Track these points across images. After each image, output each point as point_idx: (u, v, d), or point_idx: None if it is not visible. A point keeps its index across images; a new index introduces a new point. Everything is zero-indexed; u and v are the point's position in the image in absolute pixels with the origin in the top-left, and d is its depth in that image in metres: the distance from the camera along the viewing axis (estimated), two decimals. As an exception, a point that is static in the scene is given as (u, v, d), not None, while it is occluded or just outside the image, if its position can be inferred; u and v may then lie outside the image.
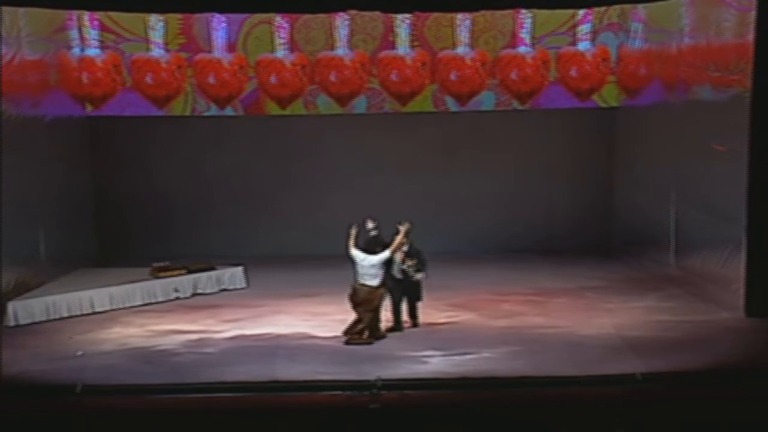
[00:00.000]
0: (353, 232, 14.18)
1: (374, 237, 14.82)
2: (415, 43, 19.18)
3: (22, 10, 15.93)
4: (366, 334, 14.07)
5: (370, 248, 14.26)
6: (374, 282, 13.86)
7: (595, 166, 20.42)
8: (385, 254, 13.93)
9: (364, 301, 14.02)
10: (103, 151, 19.64)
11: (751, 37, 14.17)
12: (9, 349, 13.73)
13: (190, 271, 17.15)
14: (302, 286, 17.29)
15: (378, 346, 13.89)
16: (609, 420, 10.98)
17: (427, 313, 15.16)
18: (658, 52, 17.87)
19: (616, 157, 20.31)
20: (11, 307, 15.14)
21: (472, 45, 19.21)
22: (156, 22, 18.43)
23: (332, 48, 19.11)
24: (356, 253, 14.01)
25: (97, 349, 13.93)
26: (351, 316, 15.26)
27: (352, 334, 14.07)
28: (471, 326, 14.85)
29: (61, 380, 12.36)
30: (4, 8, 15.27)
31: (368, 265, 13.88)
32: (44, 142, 17.36)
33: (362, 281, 13.97)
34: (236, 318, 15.41)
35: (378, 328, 14.21)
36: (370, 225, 14.97)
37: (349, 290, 14.18)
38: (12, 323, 15.01)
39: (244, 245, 19.22)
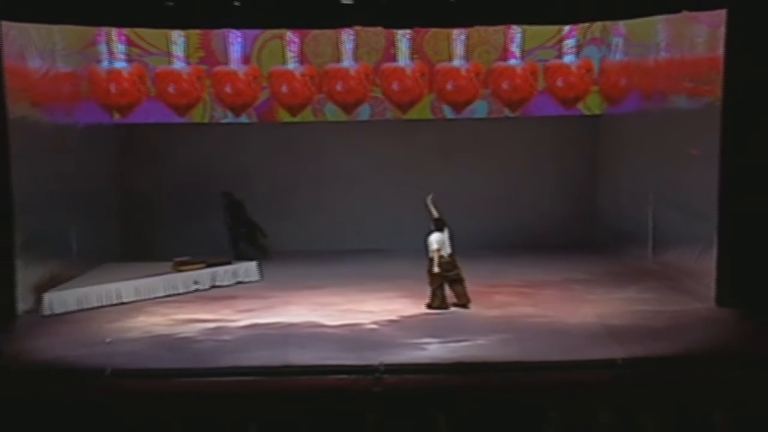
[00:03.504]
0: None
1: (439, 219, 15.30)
2: (415, 56, 19.19)
3: (56, 27, 15.98)
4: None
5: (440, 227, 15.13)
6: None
7: (580, 169, 20.43)
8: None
9: (458, 267, 15.12)
10: (130, 155, 19.66)
11: (721, 51, 14.25)
12: (45, 336, 13.92)
13: (208, 265, 17.22)
14: (310, 278, 17.32)
15: (380, 334, 13.96)
16: (592, 402, 11.00)
17: (425, 301, 15.31)
18: (637, 64, 17.91)
19: (599, 160, 20.34)
20: (47, 298, 15.20)
21: (467, 58, 19.22)
22: (177, 38, 18.45)
23: (339, 60, 19.13)
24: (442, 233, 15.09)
25: (124, 336, 14.01)
26: (356, 305, 15.45)
27: (462, 299, 15.20)
28: (466, 315, 14.91)
29: (91, 365, 12.45)
30: (41, 25, 15.40)
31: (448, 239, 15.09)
32: (76, 148, 17.41)
33: (450, 252, 15.06)
34: (251, 308, 15.46)
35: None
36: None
37: (438, 264, 14.95)
38: (47, 313, 15.07)
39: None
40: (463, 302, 15.20)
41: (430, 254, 15.10)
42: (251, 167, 20.02)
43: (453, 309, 15.22)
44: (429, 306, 15.20)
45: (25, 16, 14.34)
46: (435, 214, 15.32)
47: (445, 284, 15.24)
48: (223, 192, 18.87)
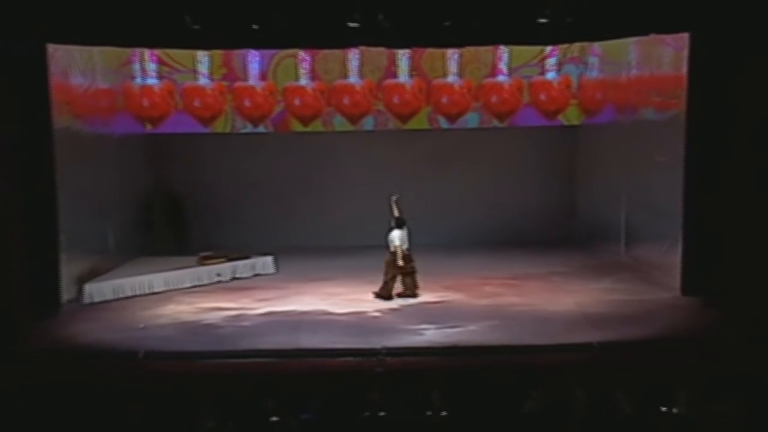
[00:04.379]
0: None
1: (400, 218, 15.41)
2: (413, 73, 19.16)
3: (96, 48, 16.03)
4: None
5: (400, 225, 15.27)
6: None
7: (561, 173, 20.44)
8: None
9: (413, 261, 15.22)
10: (160, 161, 19.72)
11: (684, 69, 14.35)
12: (86, 322, 14.05)
13: (229, 260, 17.25)
14: (320, 271, 17.36)
15: (382, 321, 14.02)
16: (571, 381, 11.11)
17: (423, 293, 15.36)
18: (611, 80, 17.94)
19: (578, 166, 20.35)
20: (87, 288, 15.30)
21: (460, 74, 19.16)
22: (202, 57, 18.41)
23: (346, 77, 19.09)
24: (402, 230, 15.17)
25: (155, 322, 14.12)
26: (361, 295, 15.46)
27: (411, 290, 15.23)
28: (459, 304, 14.96)
29: (126, 348, 12.60)
30: (83, 47, 15.49)
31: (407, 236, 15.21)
32: (113, 155, 17.45)
33: (408, 247, 15.16)
34: (267, 298, 15.52)
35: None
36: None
37: (401, 258, 15.08)
38: (88, 301, 15.17)
39: (274, 238, 19.16)
40: (411, 293, 15.26)
41: (392, 248, 15.15)
42: (267, 171, 20.10)
43: (449, 298, 15.27)
44: (378, 295, 15.27)
45: (69, 39, 14.40)
46: (396, 213, 15.38)
47: (399, 276, 15.31)
48: (165, 191, 19.16)
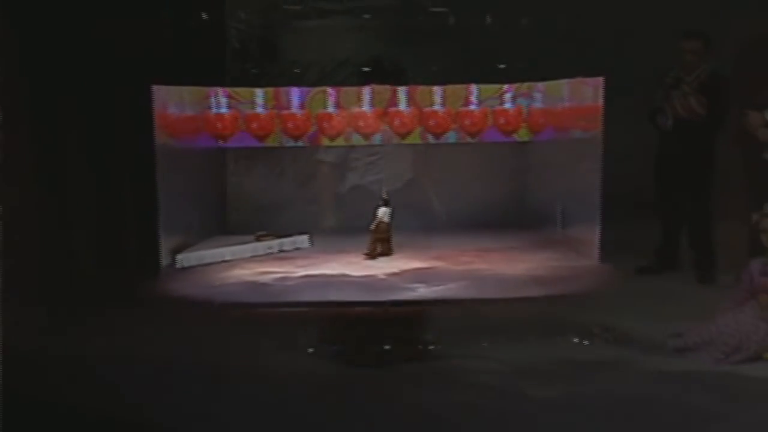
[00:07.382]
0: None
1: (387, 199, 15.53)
2: (410, 103, 19.24)
3: (185, 87, 16.24)
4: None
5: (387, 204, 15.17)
6: None
7: (515, 175, 19.89)
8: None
9: (389, 231, 15.22)
10: (228, 166, 19.89)
11: (600, 102, 14.35)
12: (178, 281, 14.00)
13: (277, 237, 17.37)
14: (343, 246, 17.08)
15: (388, 281, 13.95)
16: (521, 324, 11.50)
17: (416, 261, 15.58)
18: (551, 109, 17.86)
19: (528, 170, 20.24)
20: (179, 257, 15.26)
21: (443, 104, 19.17)
22: (259, 92, 18.45)
23: (361, 106, 19.19)
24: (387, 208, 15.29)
25: (226, 282, 13.98)
26: (372, 263, 15.45)
27: (374, 252, 15.06)
28: (442, 269, 14.70)
29: (206, 299, 12.69)
30: (176, 87, 15.85)
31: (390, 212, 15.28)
32: (196, 162, 17.50)
33: (389, 222, 15.13)
34: (304, 264, 15.17)
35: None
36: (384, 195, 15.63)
37: (374, 226, 15.03)
38: (179, 267, 15.11)
39: (309, 223, 19.35)
40: (372, 254, 15.48)
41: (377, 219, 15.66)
42: (304, 174, 20.17)
43: (435, 265, 15.25)
44: (367, 255, 15.68)
45: (167, 82, 14.59)
46: (385, 196, 15.70)
47: (380, 241, 15.67)
48: None
